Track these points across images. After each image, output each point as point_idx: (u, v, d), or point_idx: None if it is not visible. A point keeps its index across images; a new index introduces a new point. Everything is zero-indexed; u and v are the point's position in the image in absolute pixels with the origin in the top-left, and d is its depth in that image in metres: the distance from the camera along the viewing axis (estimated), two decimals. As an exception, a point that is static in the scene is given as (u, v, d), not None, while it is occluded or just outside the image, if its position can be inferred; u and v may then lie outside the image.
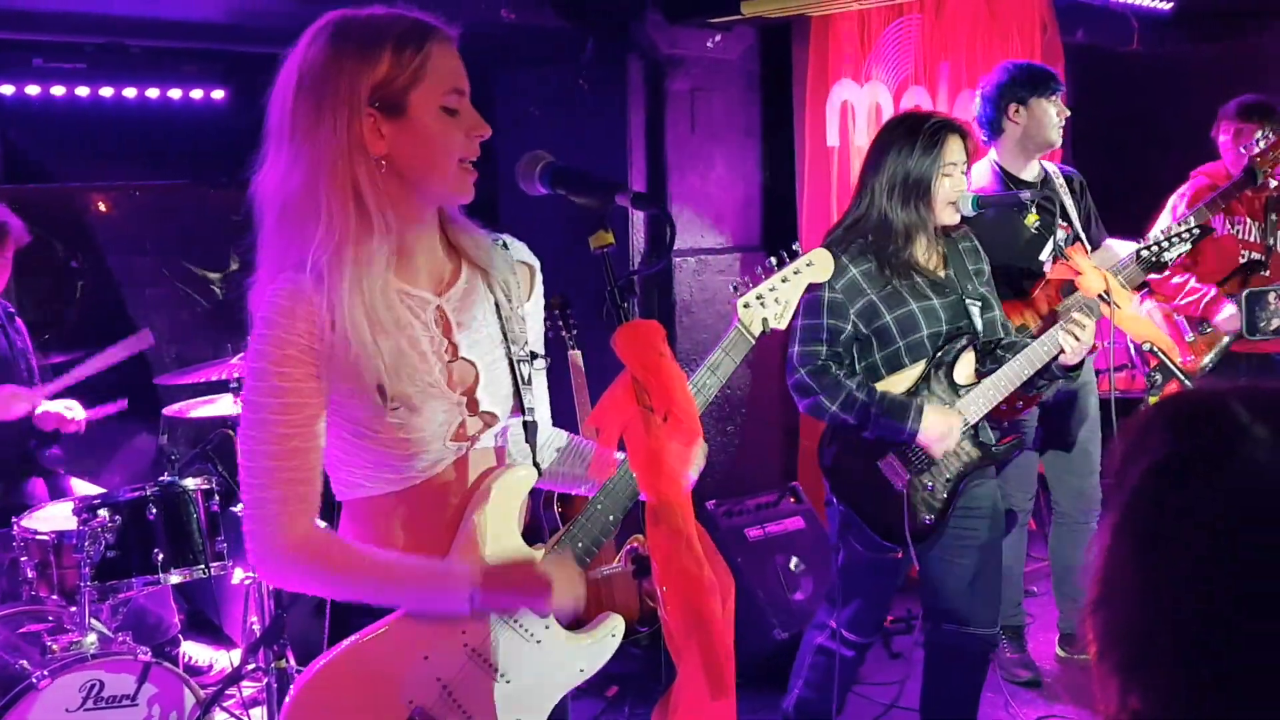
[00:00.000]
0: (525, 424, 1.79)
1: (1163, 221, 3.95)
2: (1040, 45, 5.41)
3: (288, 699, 1.69)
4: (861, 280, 2.79)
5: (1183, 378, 3.03)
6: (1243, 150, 3.89)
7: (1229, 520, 0.88)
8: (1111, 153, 6.04)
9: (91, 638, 3.09)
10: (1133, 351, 4.03)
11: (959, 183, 2.82)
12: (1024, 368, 2.80)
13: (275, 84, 1.63)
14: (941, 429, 2.74)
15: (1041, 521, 4.46)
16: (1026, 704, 3.73)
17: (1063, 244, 3.13)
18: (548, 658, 1.76)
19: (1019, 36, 5.35)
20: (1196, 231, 3.12)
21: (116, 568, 3.25)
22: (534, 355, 1.81)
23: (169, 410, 3.82)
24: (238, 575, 3.68)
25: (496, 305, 1.76)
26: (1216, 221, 4.00)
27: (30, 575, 3.30)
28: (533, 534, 1.86)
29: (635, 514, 1.78)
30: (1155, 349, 3.07)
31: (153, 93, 4.50)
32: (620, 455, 1.74)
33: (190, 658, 3.98)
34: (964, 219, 2.92)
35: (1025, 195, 3.37)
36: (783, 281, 1.92)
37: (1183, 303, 4.03)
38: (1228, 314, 3.91)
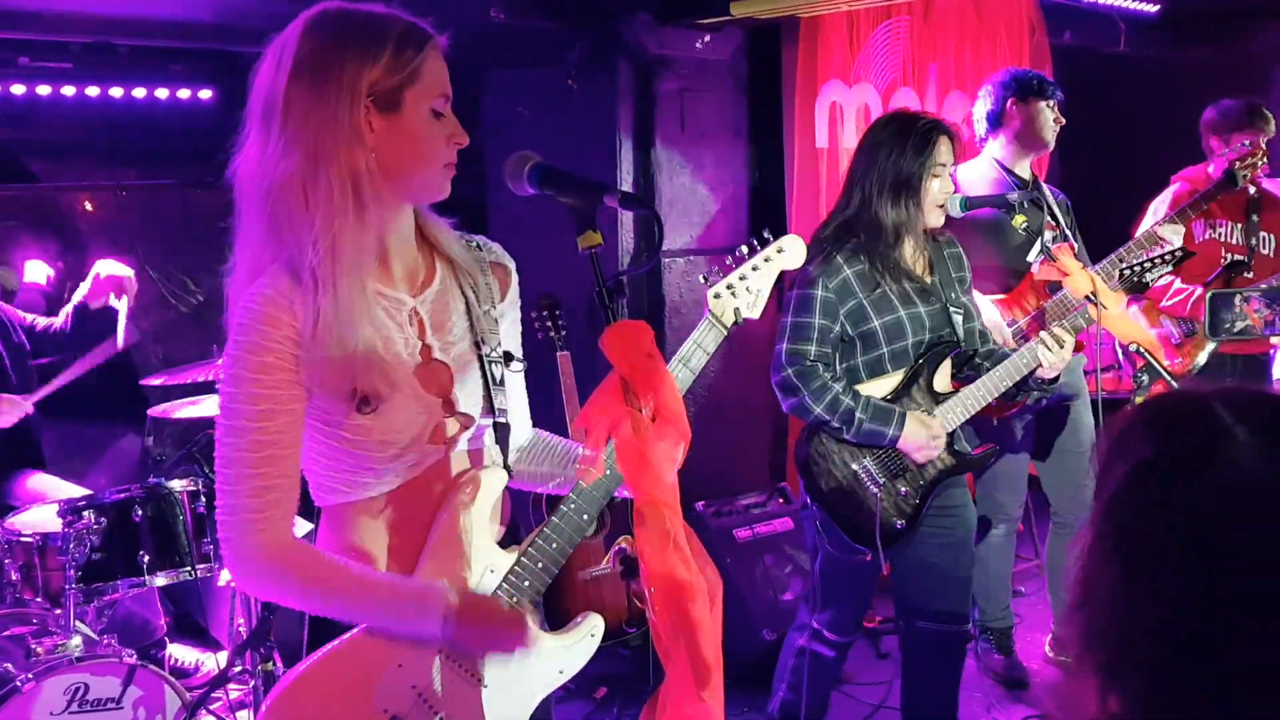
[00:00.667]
0: (496, 425, 1.78)
1: (1145, 225, 3.97)
2: (1028, 47, 5.43)
3: (261, 711, 1.67)
4: (854, 281, 2.79)
5: (1169, 378, 3.04)
6: (1223, 154, 3.92)
7: (1209, 521, 0.88)
8: (1098, 154, 6.06)
9: (76, 640, 3.07)
10: (1119, 353, 4.04)
11: (947, 184, 2.83)
12: (1002, 379, 2.82)
13: (260, 71, 1.62)
14: (923, 438, 2.76)
15: (1029, 522, 4.47)
16: (1010, 706, 3.74)
17: (1050, 244, 3.14)
18: (525, 661, 1.74)
19: (1007, 38, 5.37)
20: (1179, 254, 3.14)
21: (102, 570, 3.22)
22: (509, 357, 1.80)
23: (155, 411, 3.80)
24: (224, 577, 3.66)
25: (468, 305, 1.76)
26: (1195, 226, 4.03)
27: (14, 578, 3.28)
28: (515, 535, 1.85)
29: (624, 515, 1.78)
30: (1142, 350, 3.09)
31: (140, 92, 4.48)
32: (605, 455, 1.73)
33: (176, 660, 3.96)
34: (954, 221, 2.93)
35: (1013, 196, 3.38)
36: (753, 270, 1.86)
37: (1170, 303, 4.05)
38: None
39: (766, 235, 1.91)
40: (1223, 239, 4.13)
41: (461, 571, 1.71)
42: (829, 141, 4.69)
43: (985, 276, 3.54)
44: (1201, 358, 4.01)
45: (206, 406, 3.61)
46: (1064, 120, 3.75)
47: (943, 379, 2.85)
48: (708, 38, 4.45)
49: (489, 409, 1.77)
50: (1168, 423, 0.93)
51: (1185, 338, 4.06)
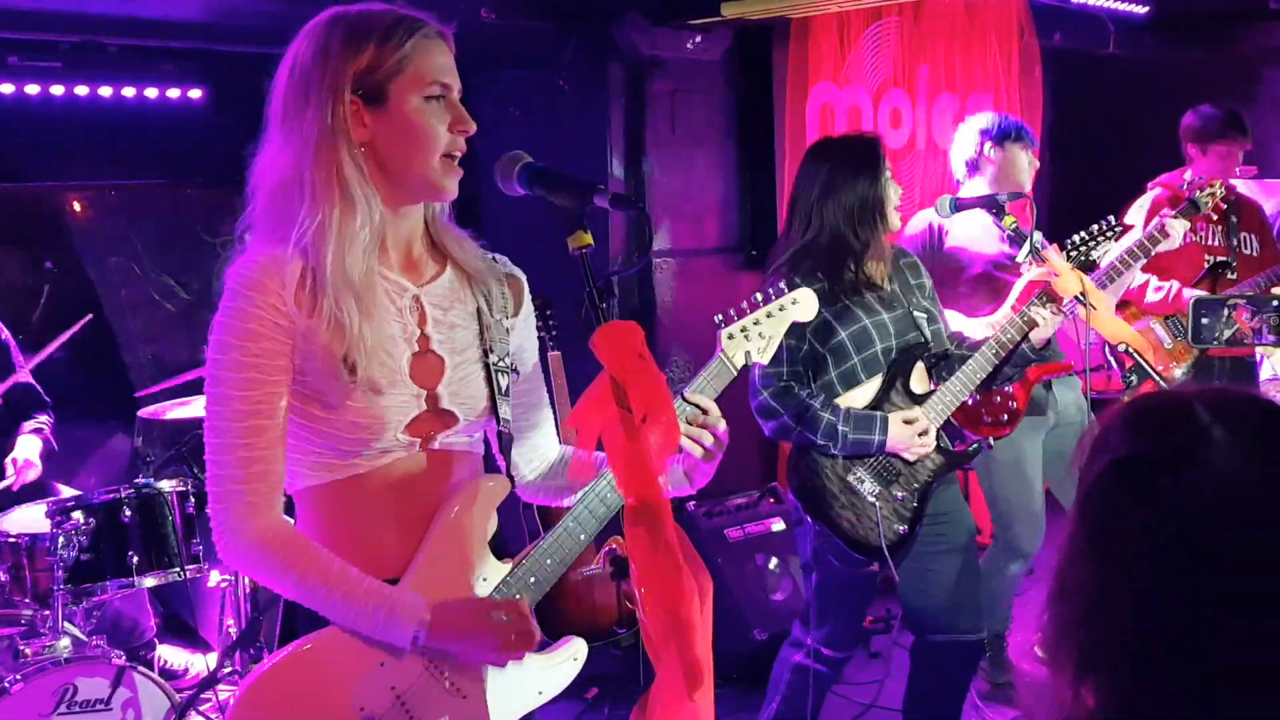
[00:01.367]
0: (500, 434, 1.78)
1: (1132, 235, 3.98)
2: (1018, 49, 5.45)
3: (234, 696, 1.66)
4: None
5: (1158, 378, 3.05)
6: (1196, 180, 3.89)
7: (1182, 520, 0.89)
8: (1088, 155, 6.09)
9: (65, 641, 3.07)
10: (1108, 353, 4.06)
11: (897, 187, 2.91)
12: (987, 360, 2.86)
13: (274, 76, 1.69)
14: (909, 434, 2.77)
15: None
16: (999, 707, 3.75)
17: (1039, 245, 3.14)
18: (506, 678, 1.73)
19: (997, 40, 5.38)
20: (1119, 229, 3.14)
21: (91, 571, 3.22)
22: (515, 369, 1.80)
23: (144, 412, 3.79)
24: (214, 578, 3.65)
25: (479, 311, 1.76)
26: None
27: (2, 579, 3.26)
28: (514, 544, 1.85)
29: (615, 516, 1.78)
30: (1130, 349, 3.09)
31: (129, 92, 4.46)
32: (601, 468, 1.75)
33: (166, 661, 3.94)
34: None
35: (1001, 196, 3.40)
36: (767, 316, 1.93)
37: (1152, 300, 4.06)
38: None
39: (782, 285, 1.96)
40: (1203, 242, 4.15)
41: (455, 578, 1.70)
42: (820, 142, 4.70)
43: (976, 280, 3.55)
44: (1190, 362, 4.02)
45: (196, 407, 3.60)
46: (1038, 164, 3.75)
47: (919, 380, 2.88)
48: (699, 38, 4.45)
49: (492, 416, 1.76)
50: (1148, 422, 0.94)
51: (1175, 340, 4.08)
